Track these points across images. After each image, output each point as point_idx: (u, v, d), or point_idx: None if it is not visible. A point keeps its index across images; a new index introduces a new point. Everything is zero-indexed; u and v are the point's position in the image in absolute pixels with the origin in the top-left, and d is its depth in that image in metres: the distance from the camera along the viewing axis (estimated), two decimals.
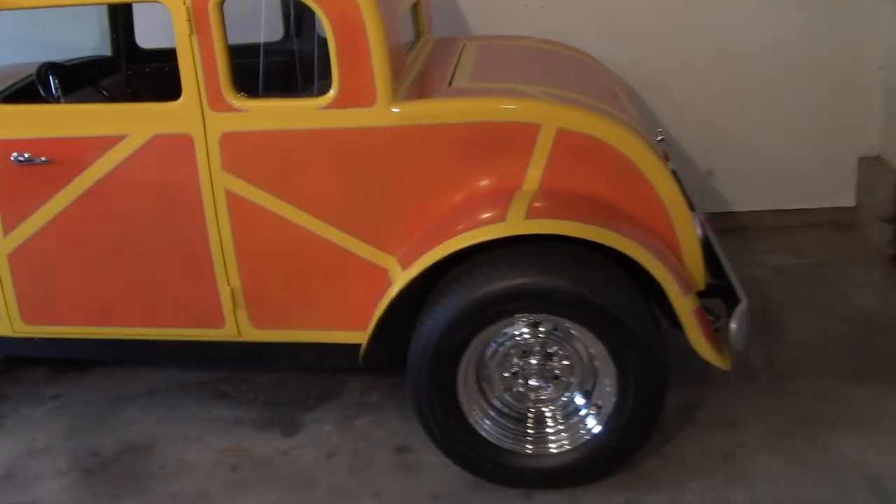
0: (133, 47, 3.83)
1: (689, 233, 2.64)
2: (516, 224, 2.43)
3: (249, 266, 2.76)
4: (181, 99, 2.61)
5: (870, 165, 4.23)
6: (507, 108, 2.56)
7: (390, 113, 2.55)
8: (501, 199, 2.56)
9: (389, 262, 2.67)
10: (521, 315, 2.52)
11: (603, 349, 2.52)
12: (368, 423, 3.04)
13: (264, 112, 2.60)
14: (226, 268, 2.76)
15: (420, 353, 2.53)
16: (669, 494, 2.63)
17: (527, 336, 2.63)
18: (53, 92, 3.10)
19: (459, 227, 2.51)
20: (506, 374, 2.67)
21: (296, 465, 2.86)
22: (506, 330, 2.62)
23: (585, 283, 2.43)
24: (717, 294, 2.80)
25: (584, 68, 3.34)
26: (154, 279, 2.82)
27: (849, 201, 4.39)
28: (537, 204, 2.51)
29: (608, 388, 2.57)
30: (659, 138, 3.18)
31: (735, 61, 4.16)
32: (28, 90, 3.08)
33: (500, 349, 2.64)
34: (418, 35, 3.38)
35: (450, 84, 2.81)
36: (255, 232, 2.72)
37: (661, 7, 4.11)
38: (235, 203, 2.69)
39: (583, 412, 2.65)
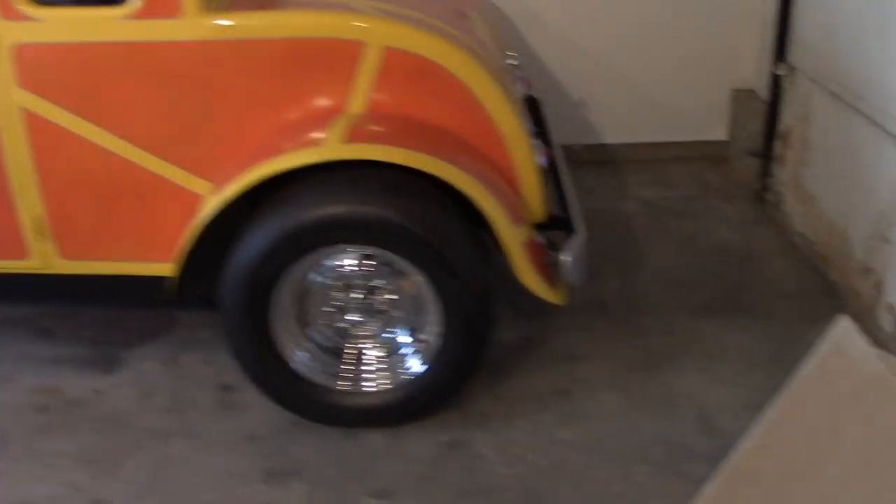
0: None
1: (526, 161, 2.51)
2: (330, 149, 2.26)
3: (53, 192, 2.53)
4: None
5: (742, 98, 4.15)
6: (328, 24, 2.36)
7: (200, 25, 2.32)
8: (322, 121, 2.37)
9: (205, 189, 2.48)
10: (339, 245, 2.36)
11: (425, 282, 2.38)
12: (194, 361, 2.87)
13: (62, 22, 2.35)
14: (26, 194, 2.52)
15: (231, 285, 2.36)
16: (497, 432, 2.54)
17: (352, 268, 2.48)
18: None
19: (274, 152, 2.32)
20: (325, 309, 2.51)
21: (111, 406, 2.68)
22: (328, 261, 2.46)
23: (403, 212, 2.28)
24: (561, 227, 2.68)
25: None
26: None
27: (722, 135, 4.32)
28: (358, 127, 2.34)
29: (433, 324, 2.44)
30: (510, 61, 3.01)
31: None
32: None
33: (322, 280, 2.48)
34: None
35: None
36: (57, 155, 2.48)
37: None
38: (34, 123, 2.44)
39: (406, 350, 2.53)
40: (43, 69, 2.39)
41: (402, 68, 2.38)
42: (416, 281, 2.41)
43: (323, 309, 2.52)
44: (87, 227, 2.58)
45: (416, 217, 2.29)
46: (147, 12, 2.31)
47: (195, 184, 2.49)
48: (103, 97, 2.41)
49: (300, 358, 2.49)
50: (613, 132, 4.33)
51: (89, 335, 3.02)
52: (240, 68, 2.37)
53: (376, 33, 2.36)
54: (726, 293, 3.20)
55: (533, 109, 3.59)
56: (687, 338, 2.94)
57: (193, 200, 2.49)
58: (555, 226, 2.68)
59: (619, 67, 4.17)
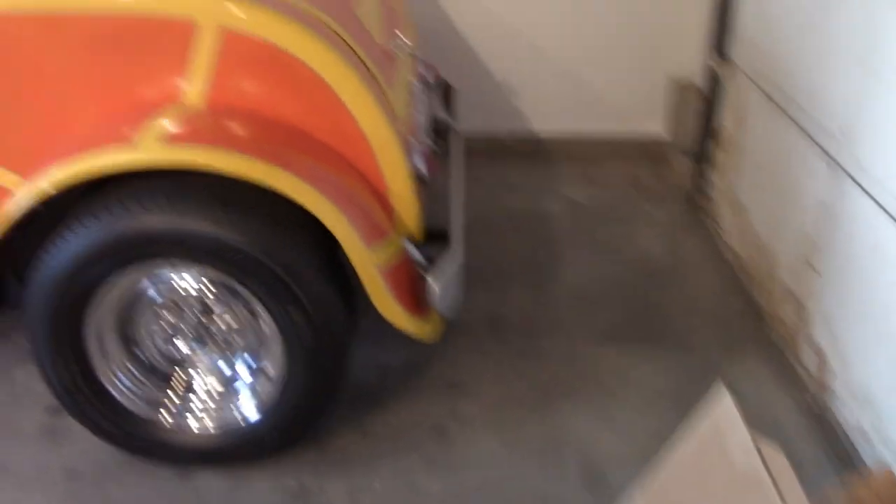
0: None
1: (395, 167, 2.16)
2: (144, 149, 1.89)
3: None
4: None
5: (682, 91, 3.80)
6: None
7: None
8: (145, 113, 2.00)
9: (13, 183, 2.10)
10: (159, 260, 1.99)
11: (262, 310, 2.03)
12: (30, 376, 2.50)
13: None
14: None
15: (37, 296, 2.00)
16: (353, 478, 2.21)
17: (189, 285, 2.12)
18: None
19: (84, 148, 1.95)
20: (154, 328, 2.16)
21: None
22: (163, 273, 2.10)
23: (232, 227, 1.92)
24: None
25: None
26: None
27: (660, 129, 3.98)
28: (183, 124, 1.97)
29: (275, 358, 2.09)
30: (402, 46, 2.63)
31: None
32: None
33: (153, 295, 2.13)
34: None
35: None
36: None
37: None
38: None
39: (241, 387, 2.18)
40: None
41: (242, 55, 2.01)
42: (254, 308, 2.06)
43: (152, 328, 2.17)
44: None
45: (248, 233, 1.93)
46: None
47: (4, 178, 2.11)
48: None
49: (122, 384, 2.14)
50: (545, 122, 3.98)
51: None
52: (52, 47, 1.99)
53: (210, 12, 1.98)
54: (640, 314, 2.88)
55: (445, 97, 3.25)
56: (587, 368, 2.62)
57: (4, 195, 2.12)
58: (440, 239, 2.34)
59: (552, 51, 3.81)
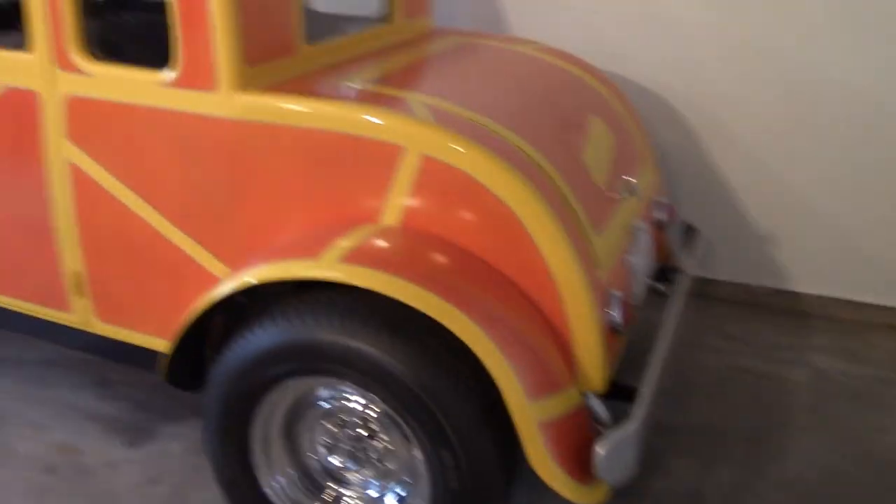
0: None
1: (583, 314, 2.03)
2: (323, 266, 1.93)
3: (93, 252, 2.42)
4: (32, 51, 2.29)
5: None
6: (365, 121, 2.05)
7: (233, 102, 2.11)
8: (344, 229, 2.05)
9: (224, 274, 2.24)
10: (325, 373, 2.00)
11: (414, 442, 1.96)
12: None
13: (110, 79, 2.23)
14: (68, 247, 2.43)
15: (214, 385, 2.09)
16: None
17: (354, 403, 2.12)
18: None
19: (279, 254, 2.03)
20: (317, 436, 2.17)
21: (113, 484, 2.51)
22: (329, 390, 2.12)
23: (392, 353, 1.88)
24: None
25: (560, 90, 2.71)
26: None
27: None
28: (367, 245, 1.98)
29: (422, 495, 2.01)
30: (625, 189, 2.51)
31: (814, 111, 3.33)
32: None
33: (321, 406, 2.14)
34: (389, 18, 2.88)
35: (349, 83, 2.30)
36: (97, 214, 2.37)
37: (727, 35, 3.35)
38: (78, 178, 2.35)
39: None
40: (89, 125, 2.29)
41: (438, 181, 2.02)
42: (409, 439, 2.00)
43: (316, 435, 2.18)
44: (119, 291, 2.45)
45: (409, 364, 1.89)
46: (185, 82, 2.13)
47: (216, 267, 2.27)
48: (139, 162, 2.26)
49: (277, 483, 2.16)
50: (804, 278, 3.60)
51: (141, 396, 2.90)
52: (272, 154, 2.12)
53: (415, 138, 2.01)
54: None
55: (685, 239, 3.06)
56: None
57: (214, 284, 2.26)
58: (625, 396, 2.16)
59: (819, 204, 3.46)
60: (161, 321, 2.40)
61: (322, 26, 2.87)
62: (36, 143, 2.36)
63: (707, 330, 3.48)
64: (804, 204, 3.47)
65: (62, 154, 2.33)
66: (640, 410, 2.03)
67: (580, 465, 1.98)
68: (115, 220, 2.34)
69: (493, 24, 3.64)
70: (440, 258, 1.99)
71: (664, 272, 2.95)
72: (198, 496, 2.46)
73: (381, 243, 1.99)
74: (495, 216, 2.00)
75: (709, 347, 3.35)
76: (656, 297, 2.85)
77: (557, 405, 1.97)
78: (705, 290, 3.73)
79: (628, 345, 2.39)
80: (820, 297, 3.60)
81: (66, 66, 2.25)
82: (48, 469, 2.56)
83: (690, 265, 2.81)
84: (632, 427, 1.96)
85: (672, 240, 3.09)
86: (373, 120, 2.03)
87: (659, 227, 2.85)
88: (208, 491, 2.45)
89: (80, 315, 2.53)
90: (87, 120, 2.28)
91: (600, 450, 1.93)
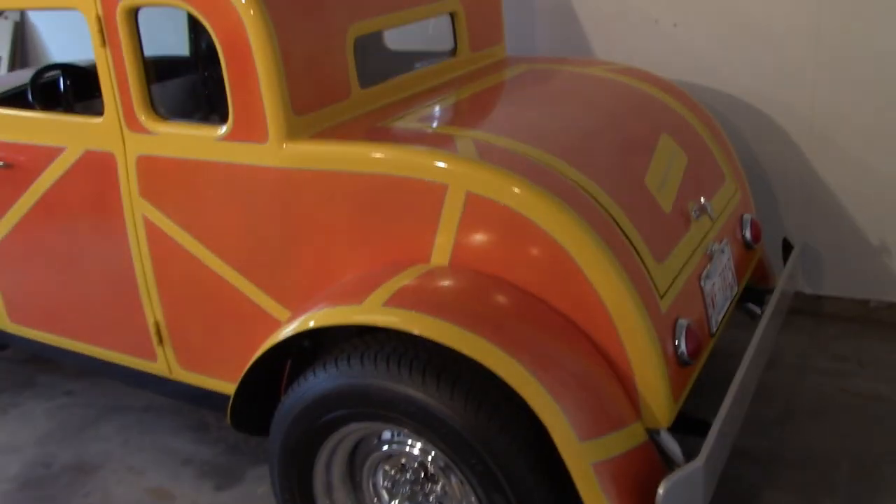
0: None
1: (644, 350, 1.94)
2: (365, 310, 1.93)
3: (169, 301, 2.52)
4: (104, 115, 2.42)
5: None
6: (409, 162, 2.04)
7: (283, 152, 2.15)
8: (389, 272, 2.05)
9: (286, 318, 2.28)
10: (380, 419, 1.99)
11: (468, 489, 1.92)
12: None
13: (171, 137, 2.33)
14: (149, 298, 2.54)
15: (273, 437, 2.12)
16: None
17: (412, 448, 2.09)
18: (63, 94, 3.06)
19: (327, 301, 2.05)
20: (379, 481, 2.16)
21: None
22: (390, 434, 2.10)
23: (439, 399, 1.85)
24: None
25: (628, 110, 2.62)
26: (93, 299, 2.68)
27: None
28: (415, 285, 1.97)
29: None
30: (696, 210, 2.39)
31: None
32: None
33: (380, 454, 2.14)
34: (456, 52, 2.87)
35: (396, 122, 2.31)
36: (170, 265, 2.46)
37: (825, 35, 3.16)
38: (151, 231, 2.45)
39: None
40: (157, 181, 2.38)
41: (483, 218, 1.98)
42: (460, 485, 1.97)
43: (378, 480, 2.17)
44: (197, 339, 2.53)
45: (455, 409, 1.85)
46: (237, 135, 2.19)
47: (279, 312, 2.31)
48: (202, 214, 2.34)
49: None
50: None
51: (231, 441, 2.97)
52: (320, 200, 2.15)
53: (459, 175, 1.99)
54: None
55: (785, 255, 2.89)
56: None
57: (274, 325, 2.31)
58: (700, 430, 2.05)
59: None
60: (235, 367, 2.45)
61: (389, 65, 2.91)
62: (115, 200, 2.48)
63: (815, 350, 3.27)
64: None
65: (137, 209, 2.44)
66: (708, 446, 1.91)
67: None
68: (186, 270, 2.43)
69: (576, 48, 3.58)
70: (488, 297, 1.95)
71: (759, 293, 2.80)
72: None
73: (426, 284, 1.97)
74: (543, 251, 1.94)
75: (816, 369, 3.14)
76: (749, 320, 2.71)
77: (617, 444, 1.88)
78: (814, 308, 3.52)
79: (709, 373, 2.28)
80: None
81: (135, 127, 2.35)
82: None
83: (785, 282, 2.65)
84: (696, 465, 1.85)
85: (766, 258, 2.94)
86: (415, 159, 2.02)
87: (746, 246, 2.70)
88: None
89: (164, 364, 2.63)
90: (155, 176, 2.37)
91: (661, 490, 1.83)
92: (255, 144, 2.17)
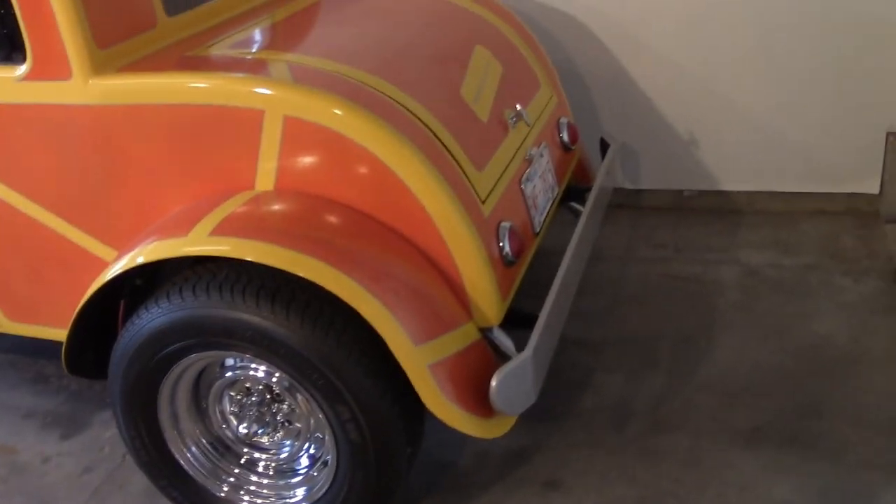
0: None
1: (469, 254, 2.03)
2: (191, 241, 1.93)
3: None
4: None
5: None
6: (224, 90, 2.02)
7: (90, 88, 2.07)
8: (214, 201, 2.04)
9: (111, 257, 2.23)
10: (218, 348, 2.01)
11: (310, 400, 1.99)
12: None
13: None
14: None
15: (114, 367, 2.10)
16: None
17: (260, 372, 2.13)
18: None
19: (154, 235, 2.03)
20: (227, 407, 2.20)
21: (45, 479, 2.54)
22: (234, 360, 2.13)
23: (274, 320, 1.89)
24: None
25: (440, 24, 2.67)
26: None
27: (873, 187, 3.46)
28: (241, 212, 1.98)
29: (328, 450, 2.04)
30: (513, 117, 2.48)
31: (732, 7, 3.28)
32: None
33: (224, 380, 2.16)
34: None
35: (207, 50, 2.26)
36: None
37: None
38: None
39: (295, 477, 2.14)
40: None
41: (302, 140, 2.00)
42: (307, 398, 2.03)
43: (225, 407, 2.20)
44: (22, 289, 2.45)
45: (287, 325, 1.89)
46: (39, 74, 2.09)
47: (106, 252, 2.26)
48: (12, 160, 2.24)
49: (190, 453, 2.20)
50: (735, 177, 3.60)
51: (74, 388, 2.92)
52: (135, 135, 2.10)
53: (274, 100, 1.98)
54: (793, 415, 2.49)
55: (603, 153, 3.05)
56: (708, 477, 2.30)
57: (101, 266, 2.26)
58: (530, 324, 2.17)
59: (741, 101, 3.44)
60: (66, 313, 2.39)
61: None
62: None
63: (638, 241, 3.50)
64: (723, 102, 3.45)
65: None
66: (535, 337, 2.04)
67: (482, 399, 2.00)
68: (4, 220, 2.32)
69: None
70: (315, 217, 1.99)
71: (581, 192, 2.95)
72: (130, 479, 2.49)
73: (252, 210, 1.98)
74: (365, 168, 1.98)
75: (639, 258, 3.37)
76: (574, 218, 2.85)
77: (450, 344, 1.99)
78: (635, 202, 3.74)
79: (538, 271, 2.41)
80: (749, 193, 3.61)
81: None
82: None
83: (603, 179, 2.80)
84: (524, 355, 1.98)
85: (585, 158, 3.09)
86: (229, 87, 2.00)
87: (564, 148, 2.83)
88: (139, 473, 2.47)
89: None
90: None
91: (493, 382, 1.95)
92: (58, 82, 2.09)
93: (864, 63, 3.23)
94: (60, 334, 2.45)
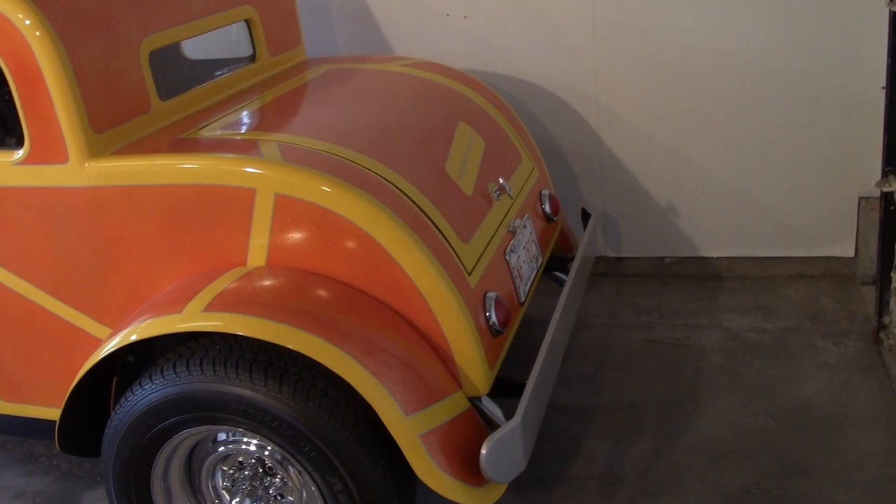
0: None
1: (454, 322, 2.08)
2: (186, 318, 1.97)
3: None
4: None
5: (870, 209, 3.38)
6: (216, 170, 2.09)
7: (86, 171, 2.14)
8: (207, 278, 2.09)
9: (105, 334, 2.27)
10: (203, 425, 2.04)
11: (303, 474, 2.01)
12: None
13: None
14: None
15: (105, 454, 2.12)
16: None
17: (252, 446, 2.15)
18: None
19: (148, 313, 2.07)
20: (218, 482, 2.21)
21: None
22: (226, 434, 2.15)
23: (267, 393, 1.92)
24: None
25: (424, 102, 2.77)
26: None
27: (848, 250, 3.55)
28: (234, 288, 2.03)
29: None
30: (496, 190, 2.57)
31: (695, 81, 3.42)
32: None
33: (217, 455, 2.18)
34: (255, 57, 2.92)
35: (199, 131, 2.34)
36: None
37: (600, 17, 3.43)
38: None
39: None
40: None
41: (293, 217, 2.07)
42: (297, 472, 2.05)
43: (217, 481, 2.22)
44: (14, 369, 2.47)
45: (279, 398, 1.93)
46: (36, 158, 2.16)
47: (99, 330, 2.30)
48: (8, 242, 2.29)
49: None
50: (714, 244, 3.69)
51: (65, 467, 2.91)
52: (130, 215, 2.16)
53: (265, 179, 2.06)
54: (780, 476, 2.52)
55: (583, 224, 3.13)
56: None
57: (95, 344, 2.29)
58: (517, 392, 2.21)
59: (716, 169, 3.56)
60: (59, 392, 2.41)
61: (189, 75, 2.91)
62: None
63: (622, 307, 3.56)
64: (697, 170, 3.56)
65: None
66: (523, 405, 2.08)
67: (472, 468, 2.03)
68: None
69: (375, 45, 3.69)
70: (306, 291, 2.04)
71: (564, 261, 3.01)
72: None
73: (244, 286, 2.03)
74: (354, 243, 2.05)
75: (624, 324, 3.42)
76: (558, 287, 2.91)
77: (440, 414, 2.02)
78: (617, 270, 3.82)
79: (524, 339, 2.46)
80: (729, 259, 3.70)
81: None
82: None
83: (585, 248, 2.88)
84: (513, 423, 2.02)
85: (567, 228, 3.17)
86: (221, 167, 2.08)
87: (547, 219, 2.91)
88: None
89: None
90: None
91: (483, 450, 1.98)
92: (55, 166, 2.16)
93: (835, 129, 3.35)
94: (51, 413, 2.48)
